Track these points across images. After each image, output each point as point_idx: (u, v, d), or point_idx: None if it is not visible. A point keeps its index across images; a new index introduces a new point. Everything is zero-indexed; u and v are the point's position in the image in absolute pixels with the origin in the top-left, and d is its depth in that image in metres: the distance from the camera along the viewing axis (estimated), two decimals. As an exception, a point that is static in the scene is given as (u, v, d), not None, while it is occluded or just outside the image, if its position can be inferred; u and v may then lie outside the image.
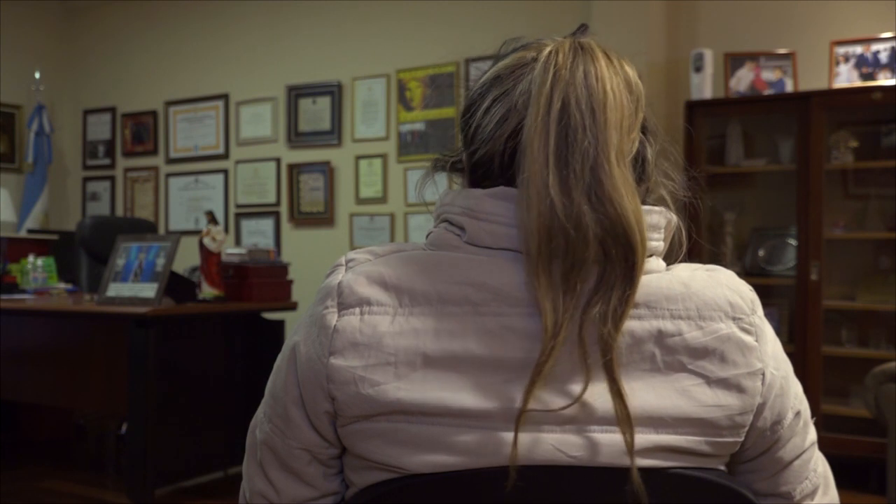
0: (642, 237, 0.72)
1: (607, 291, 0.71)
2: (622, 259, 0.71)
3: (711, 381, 0.74)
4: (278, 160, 5.53)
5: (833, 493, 0.87)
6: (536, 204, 0.71)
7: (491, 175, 0.79)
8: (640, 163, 0.80)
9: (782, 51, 3.95)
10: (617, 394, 0.70)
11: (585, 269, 0.71)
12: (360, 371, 0.73)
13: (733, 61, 4.00)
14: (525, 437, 0.71)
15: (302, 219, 5.43)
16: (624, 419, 0.70)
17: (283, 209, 5.50)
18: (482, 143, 0.79)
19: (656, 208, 0.78)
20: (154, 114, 6.05)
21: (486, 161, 0.79)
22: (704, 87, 3.92)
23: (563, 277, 0.71)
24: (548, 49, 0.78)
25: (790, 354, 0.88)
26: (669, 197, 0.84)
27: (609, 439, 0.72)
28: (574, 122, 0.72)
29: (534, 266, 0.71)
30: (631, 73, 0.78)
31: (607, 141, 0.72)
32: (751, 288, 0.80)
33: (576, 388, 0.71)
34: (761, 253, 3.94)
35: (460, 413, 0.71)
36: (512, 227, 0.75)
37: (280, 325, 3.81)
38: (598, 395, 0.72)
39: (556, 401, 0.71)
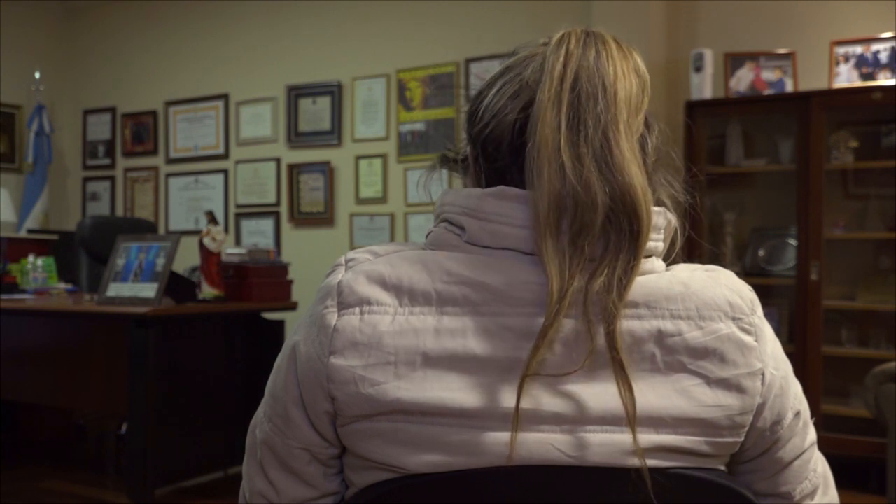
0: (647, 208, 0.73)
1: (612, 261, 0.72)
2: (627, 228, 0.72)
3: (711, 382, 0.74)
4: (278, 160, 5.53)
5: (833, 494, 0.87)
6: (547, 168, 0.72)
7: (500, 150, 0.79)
8: (642, 146, 0.81)
9: (782, 51, 3.95)
10: (619, 368, 0.70)
11: (593, 235, 0.71)
12: (360, 371, 0.73)
13: (733, 61, 4.00)
14: (522, 437, 0.71)
15: (302, 219, 5.43)
16: (626, 392, 0.70)
17: (283, 209, 5.50)
18: (492, 117, 0.80)
19: (656, 208, 0.78)
20: (154, 114, 6.05)
21: (496, 136, 0.80)
22: (704, 87, 3.92)
23: (571, 241, 0.71)
24: (560, 34, 0.80)
25: (790, 354, 0.88)
26: (669, 200, 0.84)
27: (606, 439, 0.72)
28: (585, 93, 0.74)
29: (542, 229, 0.71)
30: (639, 61, 0.81)
31: (617, 114, 0.74)
32: (750, 288, 0.80)
33: (574, 387, 0.71)
34: (761, 253, 3.94)
35: (459, 413, 0.71)
36: (512, 227, 0.75)
37: (280, 325, 3.81)
38: (596, 394, 0.72)
39: (552, 400, 0.71)
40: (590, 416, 0.72)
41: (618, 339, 0.70)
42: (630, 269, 0.72)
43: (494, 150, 0.80)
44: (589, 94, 0.74)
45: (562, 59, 0.76)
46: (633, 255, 0.72)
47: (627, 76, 0.77)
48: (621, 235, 0.72)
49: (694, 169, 0.94)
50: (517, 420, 0.70)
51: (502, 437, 0.71)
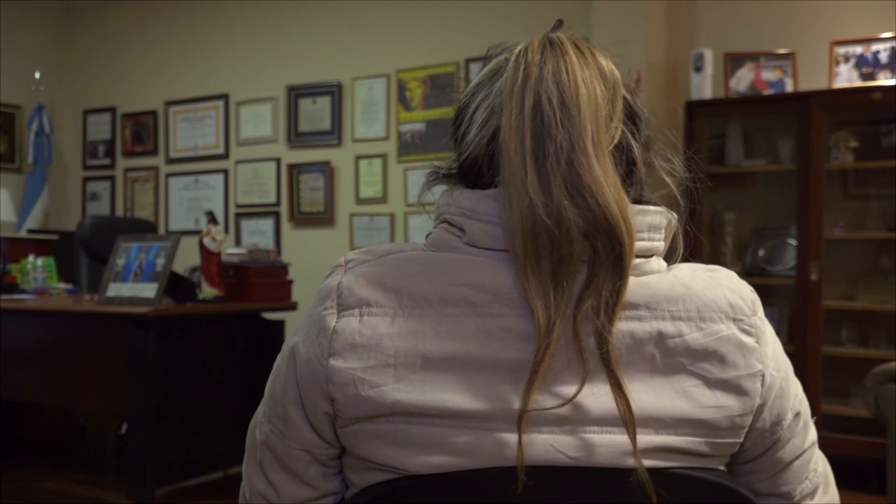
0: (627, 226, 0.71)
1: (598, 285, 0.71)
2: (609, 251, 0.71)
3: (711, 383, 0.74)
4: (278, 160, 5.53)
5: (833, 493, 0.87)
6: (517, 203, 0.71)
7: (481, 178, 0.79)
8: (625, 152, 0.79)
9: (782, 51, 3.94)
10: (616, 385, 0.70)
11: (573, 264, 0.71)
12: (359, 373, 0.73)
13: (733, 61, 4.00)
14: (523, 438, 0.70)
15: (302, 219, 5.43)
16: (625, 408, 0.69)
17: (283, 209, 5.50)
18: (467, 147, 0.80)
19: (656, 208, 0.78)
20: (154, 114, 6.05)
21: (472, 165, 0.80)
22: (704, 87, 3.92)
23: (552, 275, 0.71)
24: (518, 48, 0.78)
25: (790, 354, 0.88)
26: (670, 179, 0.84)
27: (606, 440, 0.72)
28: (547, 118, 0.73)
29: (521, 265, 0.71)
30: (604, 62, 0.78)
31: (581, 133, 0.72)
32: (751, 289, 0.80)
33: (571, 388, 0.71)
34: (761, 253, 3.94)
35: (460, 414, 0.71)
36: (511, 229, 0.75)
37: (280, 325, 3.80)
38: (595, 395, 0.72)
39: (550, 402, 0.71)
40: (590, 418, 0.72)
41: (612, 360, 0.70)
42: (617, 291, 0.71)
43: (474, 179, 0.80)
44: (551, 119, 0.72)
45: (519, 83, 0.74)
46: (619, 276, 0.71)
47: (591, 87, 0.74)
48: (604, 258, 0.71)
49: (696, 158, 0.93)
50: (522, 425, 0.70)
51: (503, 438, 0.71)
